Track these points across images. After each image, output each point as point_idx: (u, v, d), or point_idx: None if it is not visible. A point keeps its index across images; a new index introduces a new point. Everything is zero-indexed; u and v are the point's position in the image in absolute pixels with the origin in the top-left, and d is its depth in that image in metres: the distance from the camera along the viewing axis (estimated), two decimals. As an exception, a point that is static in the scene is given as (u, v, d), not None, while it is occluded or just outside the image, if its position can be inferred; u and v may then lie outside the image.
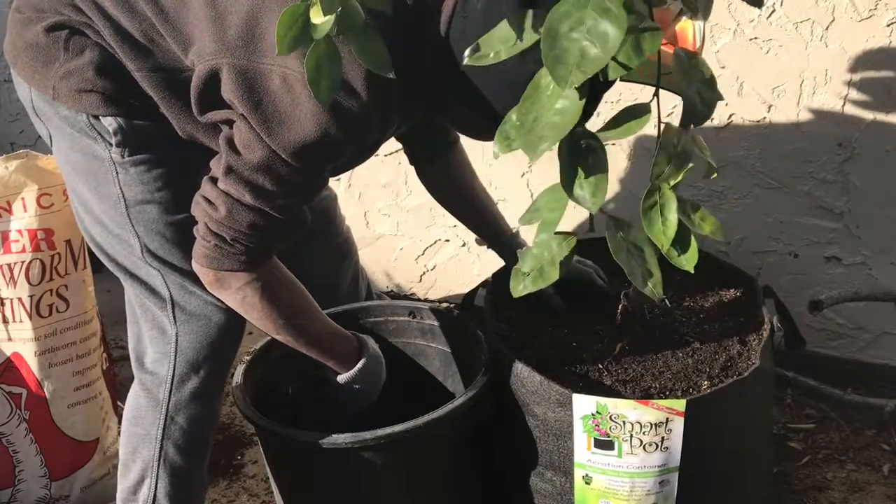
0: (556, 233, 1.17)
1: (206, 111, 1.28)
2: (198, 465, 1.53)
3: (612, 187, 2.09)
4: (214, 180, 1.27)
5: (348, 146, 1.23)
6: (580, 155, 1.05)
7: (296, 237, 1.33)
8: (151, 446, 1.47)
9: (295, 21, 0.95)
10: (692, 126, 1.08)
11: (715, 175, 1.26)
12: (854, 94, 1.80)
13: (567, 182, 1.04)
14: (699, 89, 1.08)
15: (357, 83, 1.17)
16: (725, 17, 1.84)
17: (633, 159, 2.06)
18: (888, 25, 1.72)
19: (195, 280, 1.37)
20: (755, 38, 1.82)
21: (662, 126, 1.11)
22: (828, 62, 1.79)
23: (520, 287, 1.20)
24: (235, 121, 1.24)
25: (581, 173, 1.03)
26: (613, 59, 0.97)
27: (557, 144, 1.04)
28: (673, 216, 1.15)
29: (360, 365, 1.47)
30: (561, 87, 0.90)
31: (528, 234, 1.67)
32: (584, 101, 0.96)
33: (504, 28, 1.03)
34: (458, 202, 1.74)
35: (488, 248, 1.75)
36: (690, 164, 1.14)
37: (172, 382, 1.45)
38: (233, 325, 1.45)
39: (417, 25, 1.19)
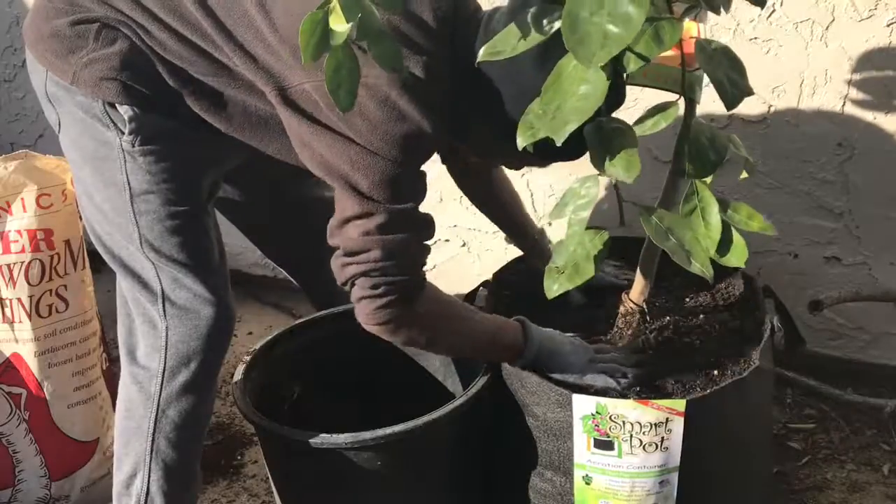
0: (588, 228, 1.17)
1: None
2: (191, 460, 1.53)
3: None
4: (347, 228, 1.31)
5: (426, 133, 1.28)
6: (608, 137, 1.04)
7: (430, 239, 1.39)
8: (143, 440, 1.48)
9: (315, 28, 0.95)
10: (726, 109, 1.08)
11: (746, 176, 1.25)
12: (854, 94, 1.80)
13: (598, 161, 1.03)
14: (727, 72, 1.07)
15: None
16: (725, 16, 1.83)
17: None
18: (888, 25, 1.72)
19: (187, 272, 1.40)
20: (755, 38, 1.82)
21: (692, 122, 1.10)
22: (828, 62, 1.79)
23: (554, 287, 1.19)
24: (337, 187, 1.30)
25: (611, 153, 1.03)
26: (633, 50, 0.97)
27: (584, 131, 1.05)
28: (715, 218, 1.14)
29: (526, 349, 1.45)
30: (585, 66, 0.90)
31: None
32: (607, 85, 0.96)
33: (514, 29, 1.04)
34: (493, 208, 1.80)
35: (516, 245, 1.81)
36: (727, 158, 1.14)
37: (163, 376, 1.46)
38: (222, 319, 1.46)
39: (451, 36, 1.26)
